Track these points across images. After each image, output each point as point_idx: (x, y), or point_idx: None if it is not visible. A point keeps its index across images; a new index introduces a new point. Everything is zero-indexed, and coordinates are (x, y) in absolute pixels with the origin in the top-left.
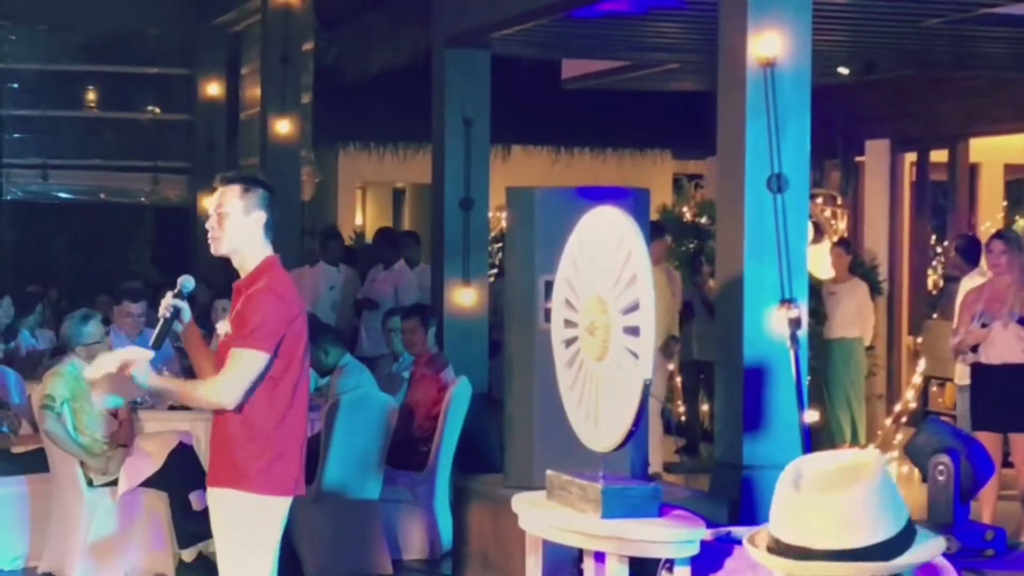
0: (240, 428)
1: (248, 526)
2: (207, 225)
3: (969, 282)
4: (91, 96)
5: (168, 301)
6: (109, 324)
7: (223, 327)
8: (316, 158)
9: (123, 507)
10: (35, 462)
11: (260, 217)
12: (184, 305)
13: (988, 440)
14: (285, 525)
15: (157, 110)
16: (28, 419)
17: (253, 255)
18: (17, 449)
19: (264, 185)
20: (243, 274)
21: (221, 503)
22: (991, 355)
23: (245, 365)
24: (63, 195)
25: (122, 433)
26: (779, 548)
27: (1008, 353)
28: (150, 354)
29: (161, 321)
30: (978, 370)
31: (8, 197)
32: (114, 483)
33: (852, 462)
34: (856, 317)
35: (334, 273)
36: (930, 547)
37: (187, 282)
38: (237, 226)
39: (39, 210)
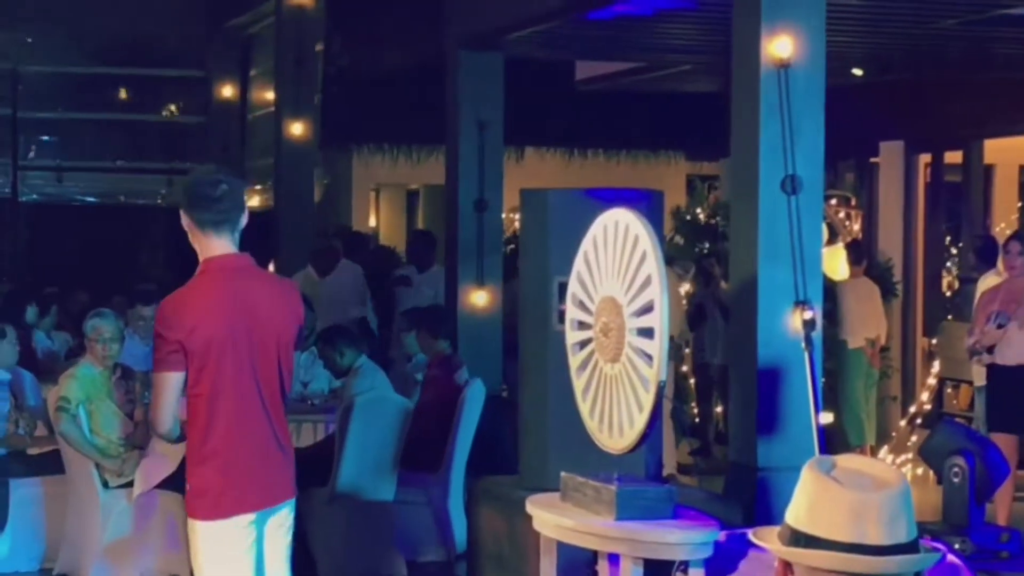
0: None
1: (196, 553)
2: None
3: (985, 283)
4: (106, 98)
5: None
6: (126, 326)
7: None
8: (330, 159)
9: (138, 509)
10: (51, 464)
11: (185, 220)
12: None
13: (1004, 441)
14: (294, 527)
15: (172, 111)
16: (44, 421)
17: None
18: (33, 451)
19: (186, 182)
20: None
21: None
22: (1007, 356)
23: (155, 389)
24: (79, 197)
25: (138, 435)
26: (796, 538)
27: None
28: None
29: None
30: (994, 371)
31: (24, 199)
32: (130, 485)
33: (881, 465)
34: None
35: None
36: (929, 557)
37: None
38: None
39: (55, 212)
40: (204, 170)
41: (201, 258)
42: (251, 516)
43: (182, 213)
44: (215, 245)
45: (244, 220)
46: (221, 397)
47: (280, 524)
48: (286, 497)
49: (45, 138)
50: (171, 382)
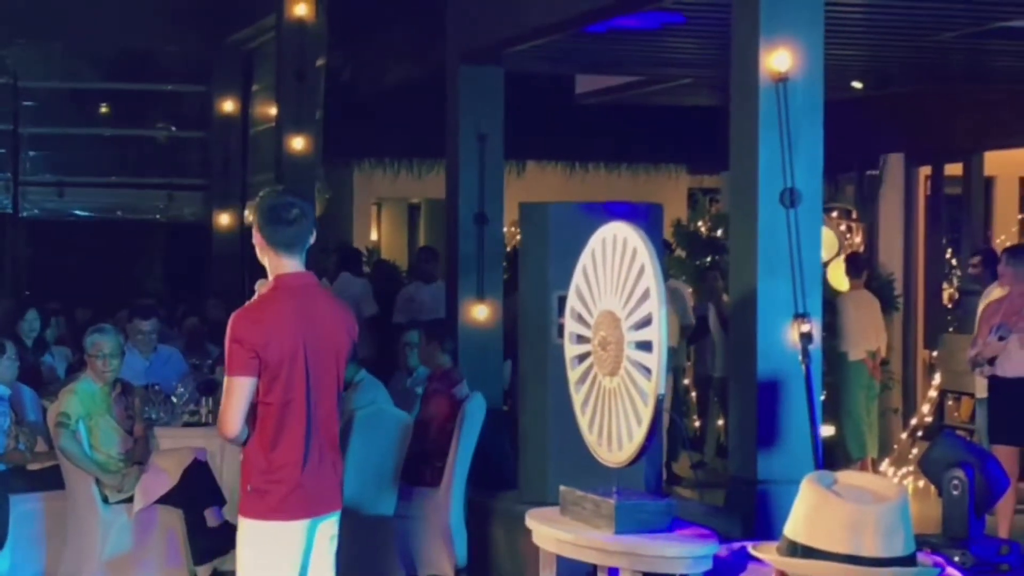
0: (246, 452)
1: (244, 550)
2: None
3: (990, 295)
4: (107, 113)
5: None
6: (125, 341)
7: None
8: (331, 174)
9: (138, 524)
10: (51, 479)
11: (257, 238)
12: None
13: (1005, 453)
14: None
15: (173, 127)
16: (44, 436)
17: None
18: (33, 466)
19: (261, 203)
20: None
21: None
22: (1007, 368)
23: (226, 392)
24: (79, 212)
25: (137, 450)
26: (793, 549)
27: None
28: None
29: None
30: (995, 383)
31: (24, 214)
32: (129, 500)
33: (881, 480)
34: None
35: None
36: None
37: None
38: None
39: (55, 227)
40: (276, 191)
41: (271, 275)
42: (306, 521)
43: (255, 232)
44: (285, 263)
45: (312, 239)
46: (290, 408)
47: (327, 533)
48: (335, 507)
49: (46, 153)
50: (245, 386)
